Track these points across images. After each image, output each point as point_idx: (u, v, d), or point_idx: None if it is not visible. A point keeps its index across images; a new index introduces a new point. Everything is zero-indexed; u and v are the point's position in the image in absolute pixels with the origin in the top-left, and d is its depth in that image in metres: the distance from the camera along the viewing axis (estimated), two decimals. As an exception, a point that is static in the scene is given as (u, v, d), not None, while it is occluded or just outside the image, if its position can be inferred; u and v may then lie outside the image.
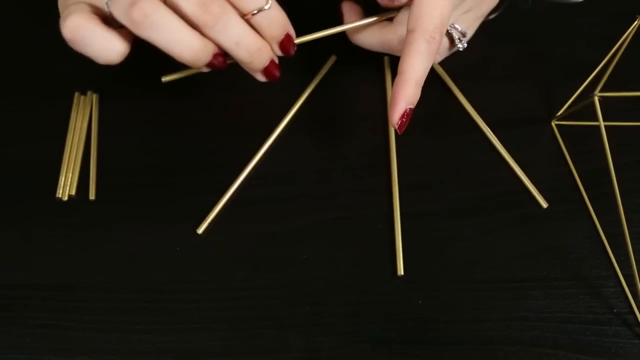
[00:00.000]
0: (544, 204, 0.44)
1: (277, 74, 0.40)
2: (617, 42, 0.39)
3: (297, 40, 0.40)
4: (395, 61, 0.49)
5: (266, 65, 0.39)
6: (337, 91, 0.48)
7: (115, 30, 0.36)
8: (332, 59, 0.49)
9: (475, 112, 0.47)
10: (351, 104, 0.48)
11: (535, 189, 0.44)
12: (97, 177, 0.46)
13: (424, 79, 0.39)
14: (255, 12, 0.36)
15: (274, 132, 0.47)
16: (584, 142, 0.46)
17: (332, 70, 0.49)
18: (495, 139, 0.46)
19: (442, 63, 0.48)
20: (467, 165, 0.46)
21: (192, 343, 0.41)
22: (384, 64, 0.49)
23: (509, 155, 0.46)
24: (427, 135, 0.47)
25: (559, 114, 0.46)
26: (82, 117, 0.48)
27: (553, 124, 0.47)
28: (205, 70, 0.38)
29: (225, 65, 0.38)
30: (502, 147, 0.46)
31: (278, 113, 0.47)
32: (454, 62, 0.49)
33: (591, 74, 0.42)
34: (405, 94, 0.38)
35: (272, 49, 0.39)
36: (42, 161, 0.47)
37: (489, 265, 0.43)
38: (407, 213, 0.44)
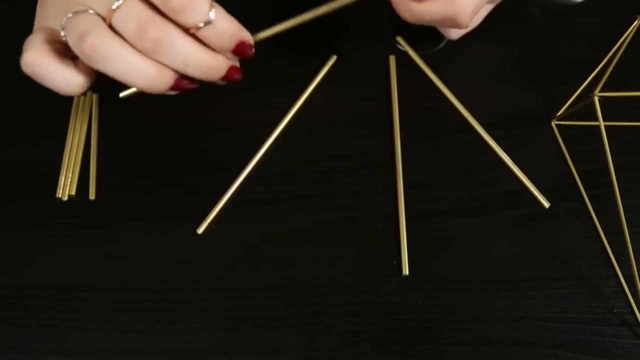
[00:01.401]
0: (546, 204, 0.44)
1: (237, 77, 0.38)
2: (617, 42, 0.39)
3: (262, 35, 0.38)
4: (397, 62, 0.49)
5: (224, 74, 0.37)
6: (337, 91, 0.48)
7: (72, 63, 0.35)
8: (332, 59, 0.49)
9: (468, 112, 0.47)
10: (351, 104, 0.48)
11: (536, 188, 0.44)
12: (97, 177, 0.46)
13: (428, 20, 0.40)
14: (201, 25, 0.34)
15: (274, 132, 0.47)
16: (584, 142, 0.46)
17: (332, 70, 0.49)
18: (491, 138, 0.46)
19: (445, 61, 0.48)
20: (467, 165, 0.46)
21: (192, 343, 0.41)
22: (389, 63, 0.49)
23: (506, 155, 0.46)
24: (427, 135, 0.47)
25: (559, 114, 0.46)
26: (82, 117, 0.48)
27: (553, 124, 0.47)
28: (172, 93, 0.37)
29: (194, 86, 0.37)
30: (499, 147, 0.46)
31: (278, 113, 0.47)
32: (454, 62, 0.49)
33: (591, 74, 0.42)
34: (407, 7, 0.39)
35: (227, 57, 0.37)
36: (42, 161, 0.47)
37: (489, 265, 0.43)
38: (407, 213, 0.44)
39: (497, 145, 0.46)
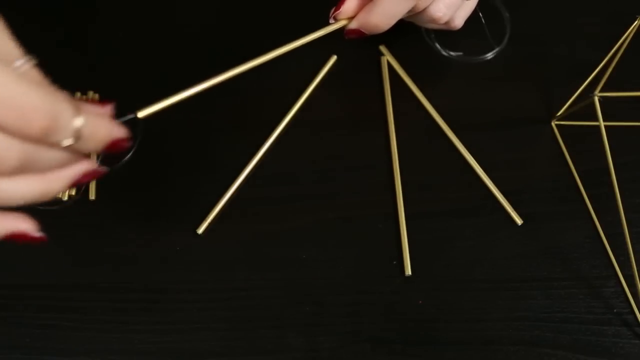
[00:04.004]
0: (519, 221, 0.44)
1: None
2: (617, 42, 0.39)
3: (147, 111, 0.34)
4: (401, 62, 0.49)
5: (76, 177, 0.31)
6: (337, 91, 0.48)
7: None
8: (332, 59, 0.49)
9: (442, 119, 0.47)
10: (351, 104, 0.48)
11: (507, 201, 0.44)
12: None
13: (393, 21, 0.40)
14: (70, 142, 0.28)
15: (274, 132, 0.47)
16: (584, 142, 0.46)
17: (332, 70, 0.49)
18: (461, 144, 0.46)
19: (445, 61, 0.48)
20: (467, 165, 0.46)
21: (192, 343, 0.41)
22: (381, 65, 0.49)
23: (473, 160, 0.46)
24: (427, 135, 0.47)
25: (559, 114, 0.46)
26: (82, 117, 0.48)
27: (553, 124, 0.47)
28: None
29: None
30: (467, 151, 0.46)
31: (278, 113, 0.47)
32: (454, 62, 0.49)
33: (591, 74, 0.42)
34: (366, 20, 0.40)
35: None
36: (42, 161, 0.46)
37: (489, 265, 0.43)
38: (407, 213, 0.44)
39: (466, 150, 0.46)
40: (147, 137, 0.47)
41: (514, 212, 0.44)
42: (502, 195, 0.44)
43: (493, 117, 0.47)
